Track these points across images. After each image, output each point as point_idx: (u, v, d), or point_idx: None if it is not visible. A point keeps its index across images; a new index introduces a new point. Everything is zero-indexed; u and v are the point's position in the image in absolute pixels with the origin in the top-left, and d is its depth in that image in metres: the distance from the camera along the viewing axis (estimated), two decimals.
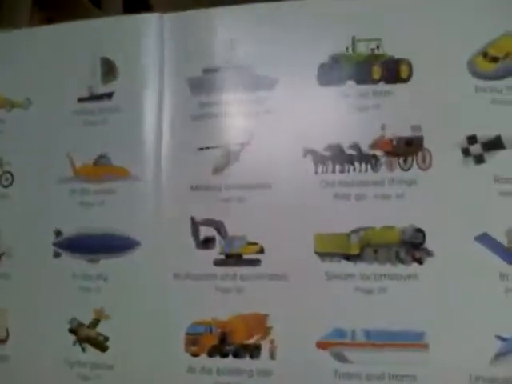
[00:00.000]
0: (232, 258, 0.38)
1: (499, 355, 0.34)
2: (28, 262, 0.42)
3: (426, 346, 0.35)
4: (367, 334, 0.36)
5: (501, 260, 0.35)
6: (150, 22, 0.41)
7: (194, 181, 0.40)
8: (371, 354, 0.36)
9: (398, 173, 0.37)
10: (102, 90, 0.42)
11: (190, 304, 0.39)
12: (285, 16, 0.40)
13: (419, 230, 0.36)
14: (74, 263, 0.41)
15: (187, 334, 0.38)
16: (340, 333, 0.36)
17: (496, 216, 0.36)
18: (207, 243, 0.39)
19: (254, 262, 0.38)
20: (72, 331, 0.40)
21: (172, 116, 0.41)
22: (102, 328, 0.40)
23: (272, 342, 0.37)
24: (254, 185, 0.39)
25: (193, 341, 0.38)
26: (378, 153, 0.38)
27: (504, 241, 0.36)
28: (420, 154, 0.37)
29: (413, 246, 0.36)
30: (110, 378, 0.39)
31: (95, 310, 0.40)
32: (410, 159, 0.37)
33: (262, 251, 0.38)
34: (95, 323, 0.40)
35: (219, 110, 0.40)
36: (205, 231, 0.39)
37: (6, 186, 0.44)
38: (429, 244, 0.36)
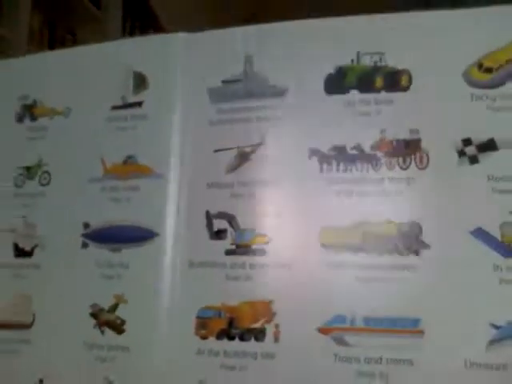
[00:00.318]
0: (241, 248, 0.41)
1: (493, 342, 0.35)
2: (58, 253, 0.47)
3: (421, 332, 0.37)
4: (366, 320, 0.38)
5: (495, 253, 0.37)
6: (176, 41, 0.47)
7: (210, 179, 0.44)
8: (370, 338, 0.37)
9: (397, 172, 0.40)
10: (133, 99, 0.47)
11: (203, 290, 0.41)
12: (295, 33, 0.44)
13: (416, 224, 0.39)
14: (99, 253, 0.45)
15: (197, 317, 0.41)
16: (340, 319, 0.38)
17: (489, 212, 0.38)
18: (220, 234, 0.42)
19: (262, 252, 0.41)
20: (93, 315, 0.44)
21: (193, 122, 0.45)
22: (120, 312, 0.43)
23: (276, 326, 0.39)
24: (263, 182, 0.42)
25: (202, 324, 0.41)
26: (379, 153, 0.41)
27: (498, 235, 0.37)
28: (418, 154, 0.40)
29: (410, 239, 0.39)
30: (124, 359, 0.42)
31: (116, 296, 0.43)
32: (408, 159, 0.40)
33: (269, 242, 0.41)
34: (114, 307, 0.43)
35: (234, 116, 0.44)
36: (218, 224, 0.42)
37: (44, 185, 0.49)
38: (425, 237, 0.38)
